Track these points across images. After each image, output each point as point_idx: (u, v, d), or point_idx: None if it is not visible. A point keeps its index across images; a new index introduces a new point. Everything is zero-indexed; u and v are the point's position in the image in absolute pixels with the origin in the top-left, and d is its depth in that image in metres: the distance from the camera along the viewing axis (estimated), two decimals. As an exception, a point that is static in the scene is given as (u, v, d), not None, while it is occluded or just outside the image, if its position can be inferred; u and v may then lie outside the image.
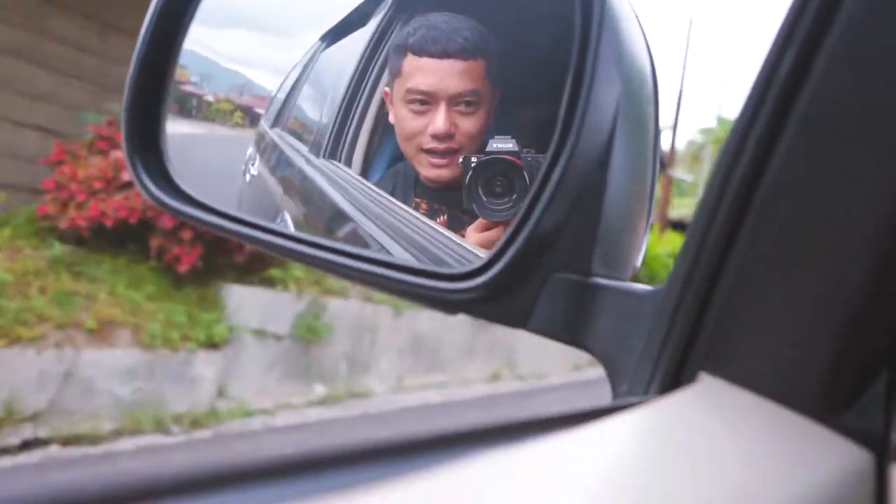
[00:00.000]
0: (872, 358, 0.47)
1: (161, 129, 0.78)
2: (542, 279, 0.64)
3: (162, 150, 0.77)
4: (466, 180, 0.74)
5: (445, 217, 0.81)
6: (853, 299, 0.46)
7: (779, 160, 0.48)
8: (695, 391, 0.51)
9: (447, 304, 0.66)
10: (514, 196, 0.73)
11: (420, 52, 0.81)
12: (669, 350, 0.54)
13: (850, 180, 0.45)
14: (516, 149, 0.74)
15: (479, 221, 0.75)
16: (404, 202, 0.86)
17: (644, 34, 0.69)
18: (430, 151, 0.81)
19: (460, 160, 0.77)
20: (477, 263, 0.65)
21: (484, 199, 0.74)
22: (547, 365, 8.81)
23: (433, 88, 0.80)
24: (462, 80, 0.79)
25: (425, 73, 0.81)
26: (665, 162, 20.14)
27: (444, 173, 0.80)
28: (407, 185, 0.85)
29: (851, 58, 0.45)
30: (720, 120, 38.68)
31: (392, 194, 0.89)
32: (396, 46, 0.85)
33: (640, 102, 0.68)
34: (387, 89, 0.88)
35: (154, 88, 0.77)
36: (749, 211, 0.49)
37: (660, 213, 18.12)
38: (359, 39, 1.04)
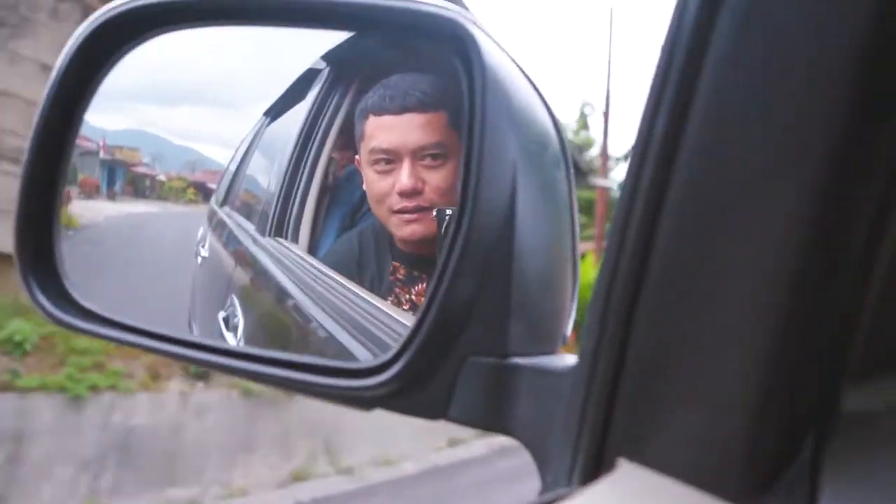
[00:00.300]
0: (794, 430, 0.42)
1: (56, 241, 0.74)
2: (458, 365, 0.60)
3: (57, 264, 0.74)
4: (442, 230, 0.70)
5: (424, 285, 0.77)
6: (765, 367, 0.41)
7: (668, 223, 0.44)
8: (612, 480, 0.46)
9: (360, 401, 0.62)
10: None
11: (379, 111, 0.79)
12: (587, 433, 0.49)
13: (749, 228, 0.42)
14: None
15: None
16: (379, 266, 0.82)
17: (541, 95, 0.67)
18: (400, 212, 0.77)
19: (434, 213, 0.73)
20: (386, 356, 0.61)
21: None
22: (408, 444, 6.15)
23: (394, 145, 0.77)
24: (424, 132, 0.76)
25: (385, 130, 0.78)
26: (585, 173, 19.47)
27: (416, 228, 0.76)
28: (382, 249, 0.81)
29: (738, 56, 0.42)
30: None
31: (360, 256, 0.85)
32: (359, 111, 0.83)
33: (543, 166, 0.65)
34: (357, 157, 0.85)
35: (46, 200, 0.74)
36: (647, 274, 0.46)
37: (597, 233, 17.43)
38: (298, 113, 1.03)
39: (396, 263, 0.80)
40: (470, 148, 0.58)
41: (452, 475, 5.86)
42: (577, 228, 0.70)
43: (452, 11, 0.60)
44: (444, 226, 0.69)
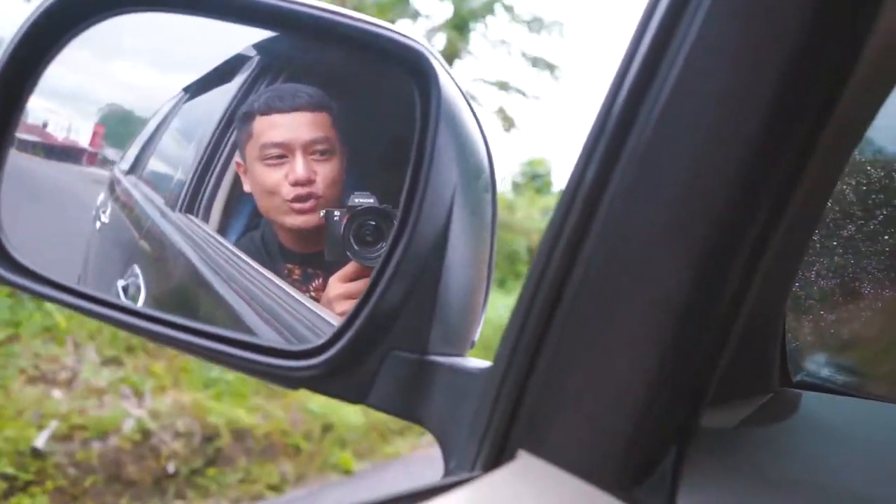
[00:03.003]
0: (663, 437, 0.52)
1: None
2: (381, 356, 0.67)
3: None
4: (341, 230, 0.77)
5: (321, 280, 0.83)
6: (645, 385, 0.51)
7: (585, 259, 0.53)
8: (512, 469, 0.55)
9: (288, 380, 0.68)
10: (384, 244, 0.76)
11: (268, 110, 0.86)
12: (494, 427, 0.57)
13: (646, 276, 0.51)
14: (377, 204, 0.77)
15: (343, 271, 0.77)
16: (273, 269, 0.87)
17: (482, 128, 0.75)
18: (293, 201, 0.83)
19: (322, 213, 0.79)
20: (318, 342, 0.67)
21: (356, 247, 0.76)
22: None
23: (287, 139, 0.84)
24: (313, 128, 0.83)
25: (277, 127, 0.85)
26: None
27: (309, 219, 0.82)
28: (273, 252, 0.86)
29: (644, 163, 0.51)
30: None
31: (259, 256, 0.90)
32: (243, 115, 0.89)
33: (476, 190, 0.73)
34: (238, 160, 0.90)
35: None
36: (562, 298, 0.54)
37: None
38: (223, 94, 1.05)
39: (290, 265, 0.86)
40: (418, 168, 0.66)
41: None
42: (495, 248, 0.79)
43: (420, 43, 0.68)
44: (343, 225, 0.76)
